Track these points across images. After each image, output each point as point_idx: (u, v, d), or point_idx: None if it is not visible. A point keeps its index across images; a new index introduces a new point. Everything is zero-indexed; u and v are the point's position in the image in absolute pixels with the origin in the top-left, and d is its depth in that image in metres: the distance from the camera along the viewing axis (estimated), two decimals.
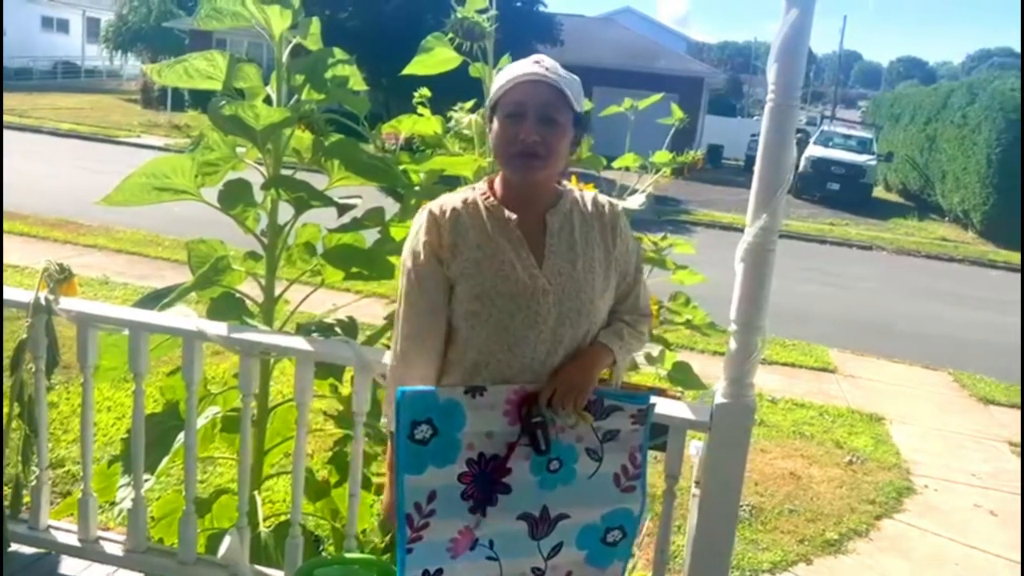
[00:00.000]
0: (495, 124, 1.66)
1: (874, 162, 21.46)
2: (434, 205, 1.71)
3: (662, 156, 2.50)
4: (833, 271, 12.87)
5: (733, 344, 1.86)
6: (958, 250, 15.78)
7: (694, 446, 2.11)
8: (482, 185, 1.75)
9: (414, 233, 1.71)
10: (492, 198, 1.71)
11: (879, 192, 23.28)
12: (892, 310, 10.28)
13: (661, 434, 1.93)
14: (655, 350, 2.66)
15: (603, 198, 1.79)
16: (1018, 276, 14.13)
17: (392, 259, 2.67)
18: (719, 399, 1.87)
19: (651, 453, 2.04)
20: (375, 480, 2.87)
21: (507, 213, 1.68)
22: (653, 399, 1.73)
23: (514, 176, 1.66)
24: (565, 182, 1.79)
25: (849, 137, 23.22)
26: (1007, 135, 16.35)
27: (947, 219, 19.31)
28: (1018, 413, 6.50)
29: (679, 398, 2.02)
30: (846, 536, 4.19)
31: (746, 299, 1.82)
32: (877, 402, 6.37)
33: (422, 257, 1.67)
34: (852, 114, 44.41)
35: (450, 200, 1.72)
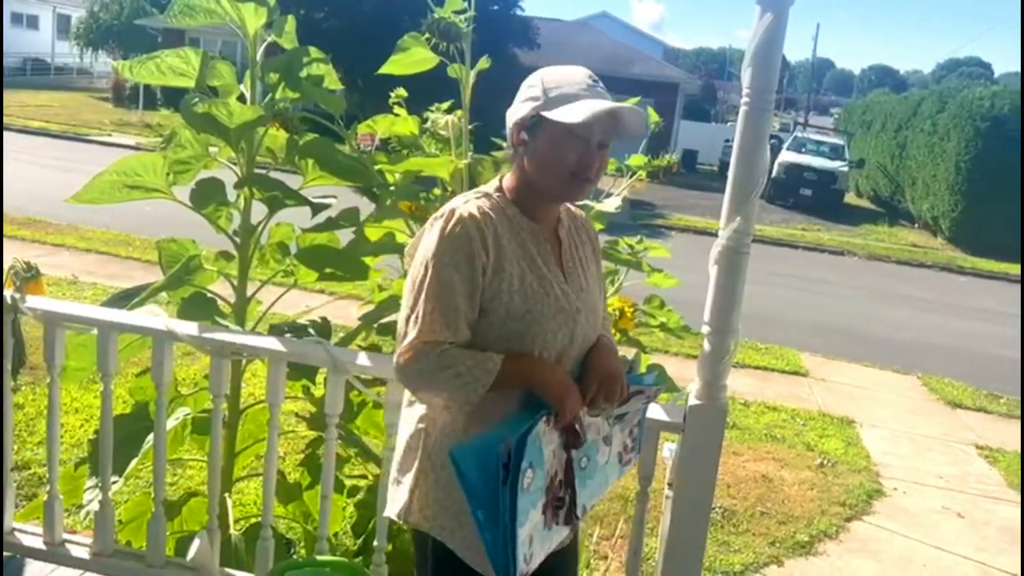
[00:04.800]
0: (546, 135, 1.55)
1: (846, 168, 21.74)
2: (463, 210, 1.55)
3: (637, 160, 2.51)
4: (805, 276, 13.01)
5: (706, 346, 1.87)
6: (927, 256, 16.03)
7: (667, 448, 2.12)
8: (495, 190, 1.64)
9: (449, 239, 1.53)
10: (515, 206, 1.62)
11: (850, 198, 23.59)
12: (863, 315, 10.41)
13: None
14: (630, 352, 2.67)
15: (580, 212, 1.79)
16: (985, 282, 14.40)
17: (367, 260, 2.66)
18: (692, 401, 1.88)
19: None
20: (347, 482, 2.86)
21: (534, 225, 1.62)
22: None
23: (561, 195, 1.61)
24: None
25: (821, 144, 23.49)
26: (975, 143, 16.66)
27: (917, 225, 19.62)
28: (983, 416, 6.61)
29: None
30: (816, 538, 4.23)
31: (719, 301, 1.83)
32: (847, 405, 6.44)
33: (466, 268, 1.51)
34: (825, 121, 44.92)
35: (479, 206, 1.57)
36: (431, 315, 1.51)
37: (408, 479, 1.63)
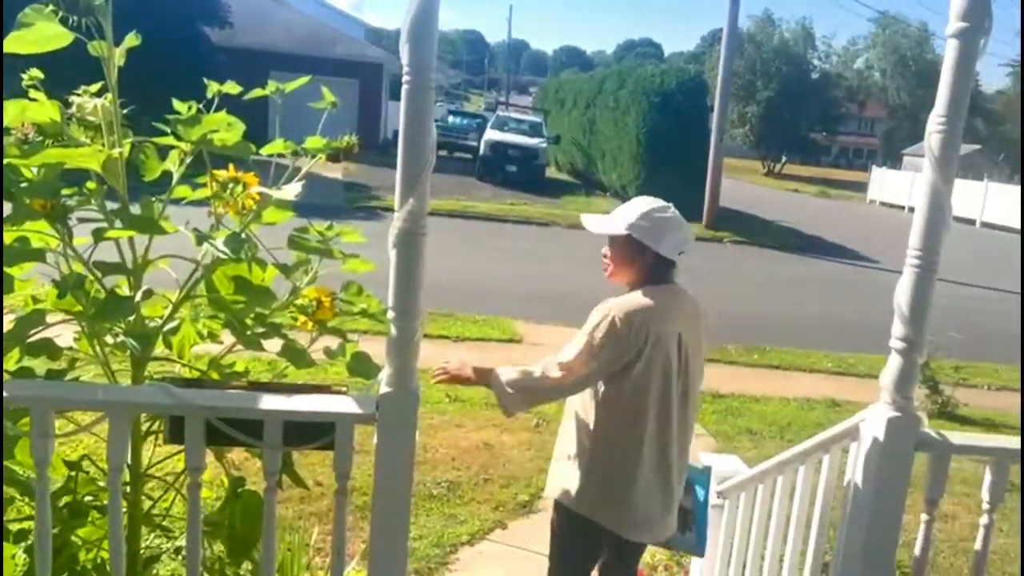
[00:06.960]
0: None
1: (545, 144, 23.15)
2: None
3: (315, 142, 2.38)
4: (516, 248, 13.71)
5: (393, 331, 1.83)
6: None
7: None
8: None
9: None
10: None
11: (552, 172, 25.21)
12: (567, 281, 11.16)
13: (329, 432, 1.84)
14: (334, 343, 2.56)
15: None
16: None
17: (12, 270, 2.28)
18: (384, 388, 1.83)
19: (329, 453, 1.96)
20: (13, 527, 2.46)
21: None
22: None
23: None
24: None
25: (522, 122, 24.78)
26: (650, 116, 18.57)
27: (608, 194, 21.48)
28: None
29: (345, 392, 1.95)
30: (536, 495, 4.46)
31: (401, 285, 1.79)
32: None
33: None
34: (525, 100, 47.50)
35: None
36: None
37: None
